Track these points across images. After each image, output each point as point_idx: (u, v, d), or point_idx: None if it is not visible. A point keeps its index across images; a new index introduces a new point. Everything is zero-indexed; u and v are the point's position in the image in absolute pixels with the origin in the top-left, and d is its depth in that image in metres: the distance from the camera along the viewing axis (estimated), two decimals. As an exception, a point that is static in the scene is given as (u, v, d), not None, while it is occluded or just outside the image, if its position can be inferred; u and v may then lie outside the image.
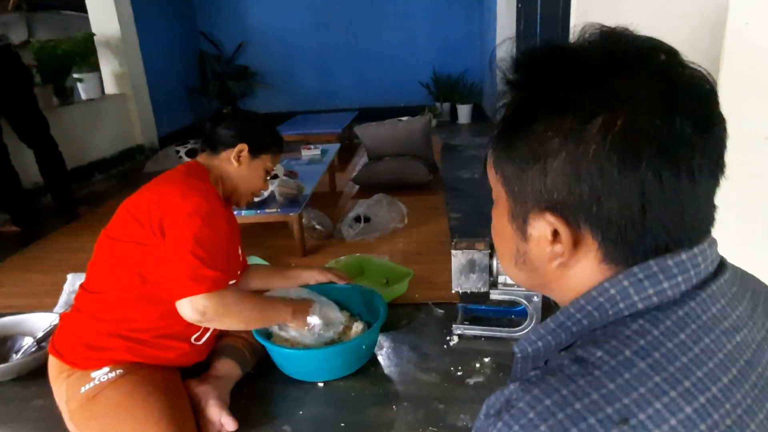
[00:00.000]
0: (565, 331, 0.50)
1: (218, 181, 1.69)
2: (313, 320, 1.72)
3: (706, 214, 0.49)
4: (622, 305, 0.47)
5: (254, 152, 1.71)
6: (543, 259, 0.52)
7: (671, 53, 0.47)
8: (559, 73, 0.48)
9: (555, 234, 0.49)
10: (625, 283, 0.47)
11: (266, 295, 1.81)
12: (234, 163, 1.69)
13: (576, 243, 0.49)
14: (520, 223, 0.52)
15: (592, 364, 0.43)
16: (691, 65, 0.47)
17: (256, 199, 2.22)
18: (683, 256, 0.47)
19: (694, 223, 0.47)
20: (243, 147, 1.68)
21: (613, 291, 0.48)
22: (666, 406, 0.41)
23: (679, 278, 0.47)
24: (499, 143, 0.52)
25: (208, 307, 1.45)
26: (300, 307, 1.73)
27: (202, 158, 1.72)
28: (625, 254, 0.47)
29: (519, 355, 0.54)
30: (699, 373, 0.43)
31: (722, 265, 0.51)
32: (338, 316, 1.81)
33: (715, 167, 0.47)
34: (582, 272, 0.50)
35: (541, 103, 0.47)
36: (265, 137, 1.75)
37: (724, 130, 0.47)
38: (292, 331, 1.74)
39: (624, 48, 0.47)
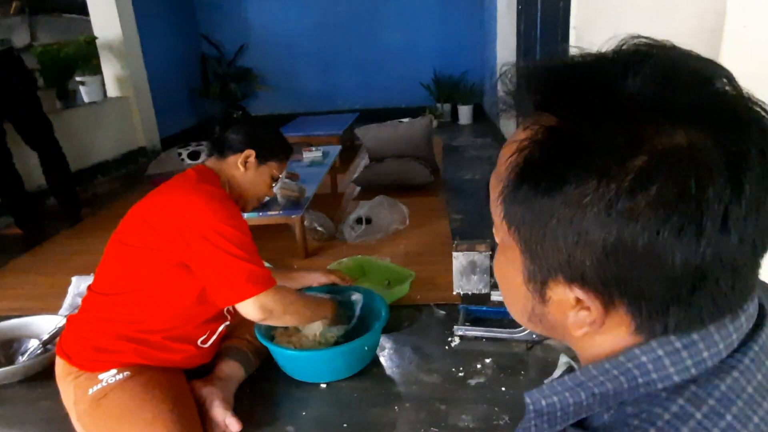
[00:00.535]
0: (585, 391, 0.44)
1: (225, 185, 1.69)
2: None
3: (756, 273, 0.41)
4: (655, 376, 0.41)
5: (261, 158, 1.71)
6: (564, 323, 0.45)
7: (729, 79, 0.39)
8: (599, 115, 0.38)
9: (578, 299, 0.42)
10: (660, 352, 0.41)
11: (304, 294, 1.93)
12: (240, 169, 1.69)
13: (606, 312, 0.42)
14: (538, 286, 0.45)
15: None
16: (752, 98, 0.39)
17: (259, 202, 2.25)
18: (726, 321, 0.41)
19: (744, 287, 0.40)
20: (250, 153, 1.69)
21: (644, 359, 0.41)
22: None
23: (721, 345, 0.41)
24: (515, 193, 0.41)
25: (272, 304, 1.53)
26: (336, 307, 1.85)
27: (210, 162, 1.72)
28: (665, 327, 0.40)
29: (531, 407, 0.48)
30: None
31: (762, 312, 0.44)
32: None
33: None
34: (609, 340, 0.44)
35: (577, 162, 0.38)
36: (273, 144, 1.76)
37: None
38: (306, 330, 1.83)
39: (678, 83, 0.38)
